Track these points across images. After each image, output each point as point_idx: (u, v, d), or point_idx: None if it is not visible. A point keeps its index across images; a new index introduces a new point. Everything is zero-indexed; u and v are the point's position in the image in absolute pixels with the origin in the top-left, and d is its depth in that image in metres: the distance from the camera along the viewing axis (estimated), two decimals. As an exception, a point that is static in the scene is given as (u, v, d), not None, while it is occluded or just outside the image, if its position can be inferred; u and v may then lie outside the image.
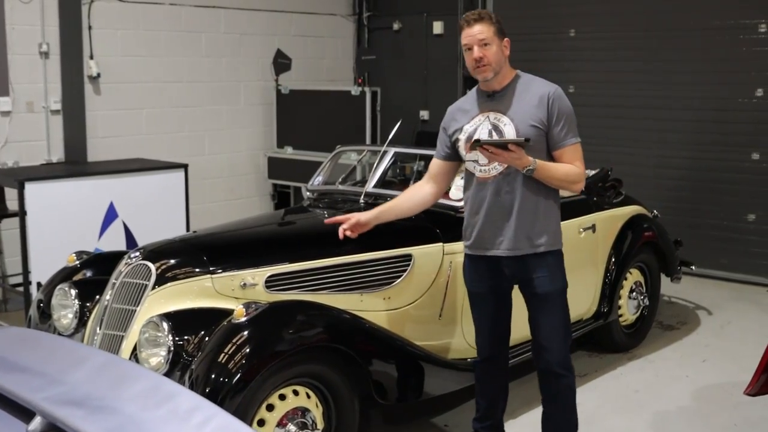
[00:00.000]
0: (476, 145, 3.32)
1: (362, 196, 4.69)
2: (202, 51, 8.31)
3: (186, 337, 3.45)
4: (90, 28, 7.38)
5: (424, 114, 9.26)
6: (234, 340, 3.29)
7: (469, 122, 3.56)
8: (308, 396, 3.52)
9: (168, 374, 3.38)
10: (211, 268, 3.76)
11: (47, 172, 6.07)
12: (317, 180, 5.22)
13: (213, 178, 8.54)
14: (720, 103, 7.17)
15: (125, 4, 7.64)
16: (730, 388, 4.87)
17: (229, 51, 8.54)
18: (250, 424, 3.33)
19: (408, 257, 4.19)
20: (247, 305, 3.42)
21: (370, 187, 4.73)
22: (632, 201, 5.65)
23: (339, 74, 9.44)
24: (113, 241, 6.03)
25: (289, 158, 8.54)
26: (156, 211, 6.30)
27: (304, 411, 3.48)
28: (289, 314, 3.50)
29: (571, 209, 4.96)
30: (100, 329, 3.76)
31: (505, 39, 3.55)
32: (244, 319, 3.36)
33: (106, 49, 7.52)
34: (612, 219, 5.28)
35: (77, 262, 4.38)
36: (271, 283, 3.86)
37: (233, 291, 3.78)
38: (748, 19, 6.95)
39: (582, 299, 5.04)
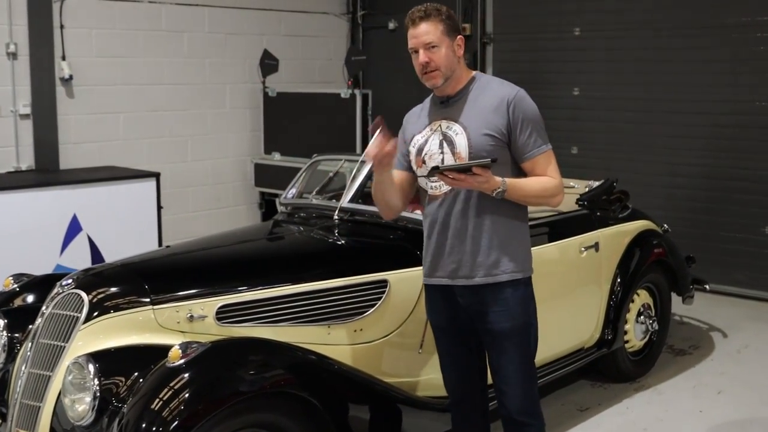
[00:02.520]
0: (434, 172, 2.89)
1: (336, 212, 4.21)
2: (185, 51, 7.84)
3: (116, 381, 2.97)
4: (62, 27, 6.93)
5: (422, 117, 8.77)
6: (170, 386, 2.82)
7: (420, 132, 3.18)
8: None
9: (94, 423, 2.91)
10: (152, 298, 3.29)
11: (2, 182, 5.60)
12: (291, 192, 4.74)
13: (196, 186, 8.07)
14: (736, 106, 6.65)
15: (100, 2, 7.18)
16: (749, 425, 4.38)
17: (214, 51, 8.07)
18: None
19: (383, 283, 3.70)
20: (184, 345, 2.94)
21: (345, 201, 4.25)
22: (640, 215, 5.14)
23: (332, 76, 8.94)
24: (77, 256, 5.59)
25: (276, 165, 8.05)
26: (125, 223, 5.85)
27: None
28: (235, 355, 3.02)
29: (571, 226, 4.49)
30: (25, 367, 3.29)
31: (458, 37, 3.09)
32: (180, 361, 2.88)
33: (80, 49, 7.07)
34: (617, 236, 4.78)
35: (15, 285, 3.92)
36: (223, 314, 3.38)
37: (179, 324, 3.30)
38: (767, 15, 6.43)
39: (583, 326, 4.55)
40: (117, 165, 7.14)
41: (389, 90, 8.59)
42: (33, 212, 5.36)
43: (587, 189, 4.94)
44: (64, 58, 6.95)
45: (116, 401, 2.92)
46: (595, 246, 4.53)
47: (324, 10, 8.96)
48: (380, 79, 8.79)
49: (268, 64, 8.11)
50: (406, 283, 3.74)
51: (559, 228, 4.38)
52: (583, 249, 4.45)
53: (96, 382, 2.94)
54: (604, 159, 7.36)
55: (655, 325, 5.03)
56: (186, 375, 2.84)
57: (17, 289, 3.90)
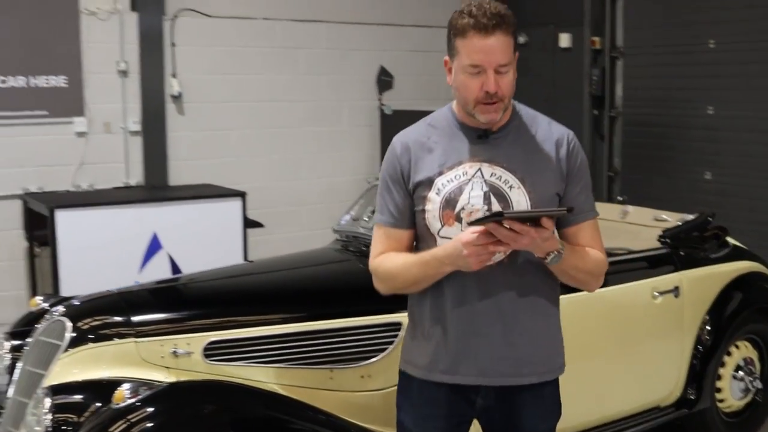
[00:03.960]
0: (489, 220, 2.11)
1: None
2: (300, 68, 7.76)
3: (69, 417, 2.81)
4: (173, 45, 7.02)
5: (550, 137, 8.26)
6: (108, 429, 2.62)
7: (445, 174, 2.33)
8: None
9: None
10: (137, 330, 3.12)
11: (83, 199, 5.69)
12: (345, 218, 4.46)
13: (310, 204, 7.95)
14: None
15: (213, 20, 7.22)
16: None
17: (331, 68, 7.93)
18: None
19: (396, 326, 3.33)
20: (134, 386, 2.73)
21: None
22: (746, 255, 4.46)
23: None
24: (157, 273, 5.55)
25: (391, 184, 7.81)
26: (207, 242, 5.78)
27: None
28: (187, 402, 2.78)
29: (642, 266, 3.91)
30: (12, 393, 3.21)
31: (516, 53, 2.39)
32: (123, 404, 2.67)
33: (191, 66, 7.13)
34: (708, 279, 4.15)
35: (43, 305, 3.87)
36: (212, 351, 3.16)
37: (163, 359, 3.11)
38: None
39: (657, 382, 3.98)
40: (227, 182, 7.13)
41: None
42: (111, 229, 5.40)
43: (679, 224, 4.33)
44: (174, 76, 7.04)
45: (65, 438, 2.76)
46: (675, 291, 3.94)
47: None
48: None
49: (384, 80, 7.91)
50: (423, 326, 3.36)
51: (627, 269, 3.84)
52: (656, 294, 3.87)
53: (48, 417, 2.79)
54: (742, 186, 6.57)
55: (759, 383, 4.32)
56: (127, 419, 2.63)
57: (45, 309, 3.86)
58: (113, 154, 6.84)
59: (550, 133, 2.42)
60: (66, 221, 5.26)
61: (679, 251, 4.09)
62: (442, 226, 2.33)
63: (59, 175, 6.53)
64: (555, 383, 2.50)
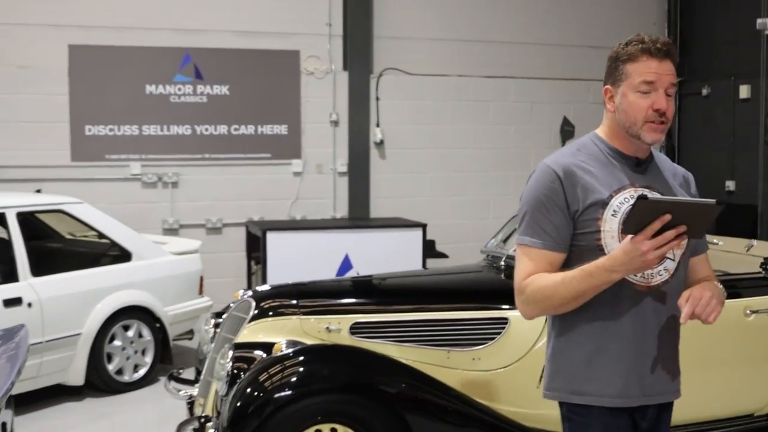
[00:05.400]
0: (638, 210, 2.13)
1: (503, 258, 4.68)
2: (490, 119, 8.66)
3: (245, 365, 3.84)
4: (377, 99, 8.19)
5: (730, 184, 8.54)
6: (268, 369, 3.62)
7: (617, 195, 2.36)
8: (347, 436, 3.67)
9: (227, 394, 3.78)
10: (301, 310, 4.12)
11: (290, 225, 6.90)
12: (491, 242, 5.27)
13: (495, 241, 8.77)
14: None
15: (413, 77, 8.33)
16: None
17: (519, 119, 8.77)
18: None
19: (504, 321, 4.10)
20: (289, 342, 3.73)
21: (510, 250, 4.70)
22: None
23: (639, 142, 9.11)
24: (347, 289, 6.62)
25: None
26: (392, 264, 6.73)
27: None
28: (327, 355, 3.72)
29: (736, 287, 4.39)
30: (210, 353, 4.32)
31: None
32: (280, 353, 3.67)
33: (392, 117, 8.27)
34: (808, 303, 4.52)
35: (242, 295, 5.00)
36: (357, 330, 4.08)
37: (319, 333, 4.07)
38: None
39: (751, 392, 4.39)
40: (420, 218, 8.09)
41: (701, 157, 8.56)
42: (311, 249, 6.52)
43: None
44: (377, 125, 8.20)
45: (240, 377, 3.79)
46: (769, 311, 4.38)
47: (635, 78, 9.18)
48: (693, 145, 8.78)
49: (567, 130, 8.61)
50: (527, 323, 4.08)
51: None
52: (749, 312, 4.33)
53: (230, 364, 3.83)
54: None
55: None
56: (281, 363, 3.62)
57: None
58: (324, 191, 8.09)
59: (674, 168, 2.56)
60: (275, 241, 6.47)
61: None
62: (620, 238, 2.30)
63: (278, 208, 7.86)
64: None
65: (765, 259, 4.65)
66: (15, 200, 5.55)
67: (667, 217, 2.12)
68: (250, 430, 3.52)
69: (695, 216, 2.18)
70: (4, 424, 2.72)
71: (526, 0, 8.69)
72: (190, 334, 6.46)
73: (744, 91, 8.36)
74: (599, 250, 2.32)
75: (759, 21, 7.89)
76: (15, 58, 7.21)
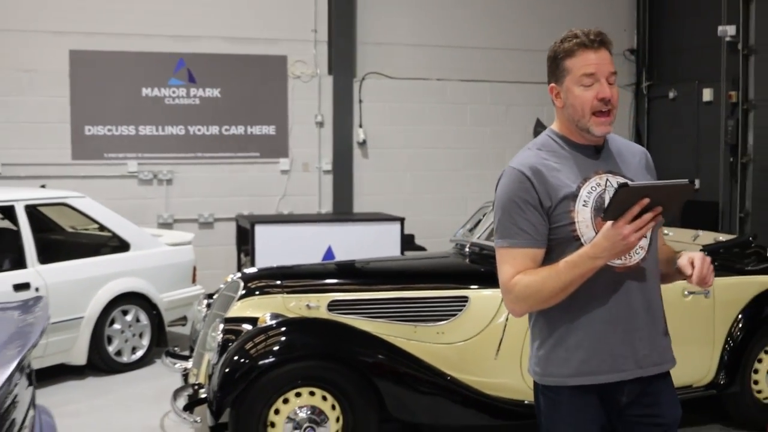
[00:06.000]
0: (618, 197, 2.21)
1: (468, 245, 5.18)
2: (467, 121, 9.16)
3: (233, 336, 4.33)
4: (360, 101, 8.68)
5: (695, 182, 9.05)
6: (253, 338, 4.12)
7: (585, 185, 2.43)
8: (324, 398, 4.16)
9: (217, 362, 4.26)
10: (284, 290, 4.61)
11: (277, 219, 7.39)
12: (459, 232, 5.78)
13: (473, 236, 9.27)
14: None
15: (394, 80, 8.83)
16: None
17: (494, 120, 9.27)
18: (267, 413, 4.08)
19: (464, 299, 4.60)
20: (272, 315, 4.22)
21: (474, 238, 5.21)
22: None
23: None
24: (330, 278, 7.10)
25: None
26: (372, 255, 7.24)
27: (319, 410, 4.13)
28: (305, 327, 4.22)
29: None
30: (203, 329, 4.81)
31: None
32: (264, 325, 4.17)
33: (374, 118, 8.77)
34: (740, 286, 5.00)
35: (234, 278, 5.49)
36: (333, 307, 4.58)
37: (300, 310, 4.57)
38: None
39: (689, 366, 4.85)
40: (401, 214, 8.57)
41: (669, 157, 9.05)
42: (296, 241, 7.00)
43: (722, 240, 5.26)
44: (360, 126, 8.69)
45: (229, 346, 4.28)
46: (705, 293, 4.88)
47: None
48: (660, 146, 9.27)
49: (539, 131, 9.04)
50: (485, 300, 4.60)
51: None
52: (686, 293, 4.84)
53: (220, 336, 4.33)
54: None
55: (797, 379, 5.09)
56: (265, 333, 4.12)
57: (236, 284, 5.48)
58: (309, 188, 8.58)
59: (630, 146, 2.62)
60: (262, 233, 6.95)
61: (714, 263, 5.00)
62: (596, 233, 2.36)
63: (266, 204, 8.34)
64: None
65: (704, 246, 5.18)
66: (23, 194, 6.02)
67: (646, 200, 2.22)
68: (238, 392, 4.01)
69: (670, 196, 2.30)
70: (16, 396, 2.81)
71: (500, 8, 9.18)
72: (183, 320, 6.94)
73: (707, 94, 8.85)
74: (576, 240, 2.40)
75: (720, 28, 8.43)
76: (20, 63, 7.70)
